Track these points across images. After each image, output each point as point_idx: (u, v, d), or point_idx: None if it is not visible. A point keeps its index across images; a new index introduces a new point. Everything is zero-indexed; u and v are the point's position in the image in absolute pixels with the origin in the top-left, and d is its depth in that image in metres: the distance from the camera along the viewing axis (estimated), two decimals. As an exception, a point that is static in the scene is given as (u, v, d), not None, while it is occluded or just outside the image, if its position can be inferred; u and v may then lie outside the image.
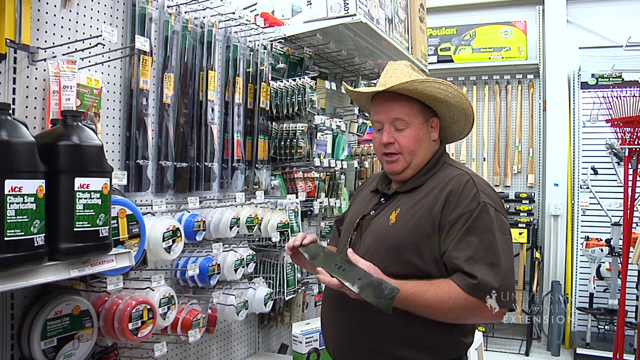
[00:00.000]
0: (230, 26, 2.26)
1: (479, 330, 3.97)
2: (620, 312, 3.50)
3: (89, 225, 1.22)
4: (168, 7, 1.91)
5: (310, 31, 2.52)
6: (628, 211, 3.41)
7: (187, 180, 2.02)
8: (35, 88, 1.47)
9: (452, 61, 5.24)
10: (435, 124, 1.58)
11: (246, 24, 2.31)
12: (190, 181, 2.05)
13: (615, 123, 3.41)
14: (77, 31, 1.61)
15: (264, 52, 2.44)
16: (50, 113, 1.46)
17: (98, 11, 1.69)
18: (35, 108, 1.47)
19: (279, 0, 2.74)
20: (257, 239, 2.41)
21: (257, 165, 2.40)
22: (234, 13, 2.22)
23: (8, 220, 1.05)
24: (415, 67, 1.61)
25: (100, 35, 1.53)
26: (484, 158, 5.32)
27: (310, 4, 2.47)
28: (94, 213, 1.23)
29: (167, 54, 1.91)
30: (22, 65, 1.43)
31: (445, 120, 1.60)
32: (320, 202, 2.77)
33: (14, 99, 1.41)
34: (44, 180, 1.13)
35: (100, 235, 1.25)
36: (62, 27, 1.56)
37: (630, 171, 3.38)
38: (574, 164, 4.92)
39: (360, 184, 3.28)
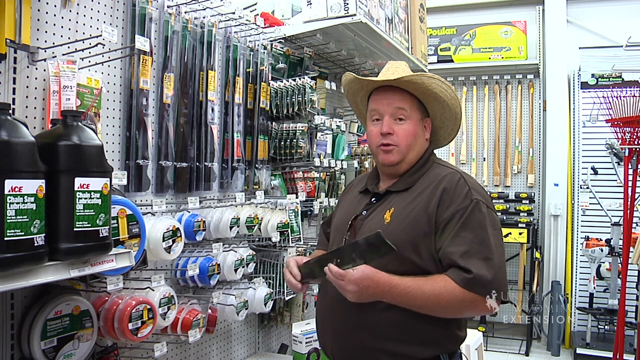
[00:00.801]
0: (230, 26, 2.26)
1: (479, 330, 3.97)
2: (620, 312, 3.50)
3: (89, 225, 1.22)
4: (168, 7, 1.91)
5: (310, 31, 2.52)
6: (628, 211, 3.41)
7: (187, 180, 2.02)
8: (35, 88, 1.47)
9: (452, 61, 5.25)
10: (428, 124, 1.61)
11: (246, 24, 2.31)
12: (190, 181, 2.05)
13: (615, 123, 3.41)
14: (77, 31, 1.61)
15: (264, 52, 2.44)
16: (50, 113, 1.46)
17: (98, 11, 1.69)
18: (35, 108, 1.47)
19: (279, 0, 2.74)
20: (257, 239, 2.41)
21: (257, 165, 2.40)
22: (234, 13, 2.22)
23: (8, 220, 1.05)
24: (411, 68, 1.65)
25: (100, 35, 1.53)
26: (484, 158, 5.32)
27: (310, 4, 2.47)
28: (94, 213, 1.23)
29: (167, 54, 1.91)
30: (22, 65, 1.43)
31: (436, 122, 1.63)
32: (320, 202, 2.77)
33: (14, 99, 1.41)
34: (44, 180, 1.13)
35: (100, 235, 1.25)
36: (62, 27, 1.56)
37: (630, 171, 3.38)
38: (574, 164, 4.92)
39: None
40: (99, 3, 1.69)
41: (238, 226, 2.12)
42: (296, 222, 2.55)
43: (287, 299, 2.51)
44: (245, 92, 2.34)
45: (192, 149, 2.04)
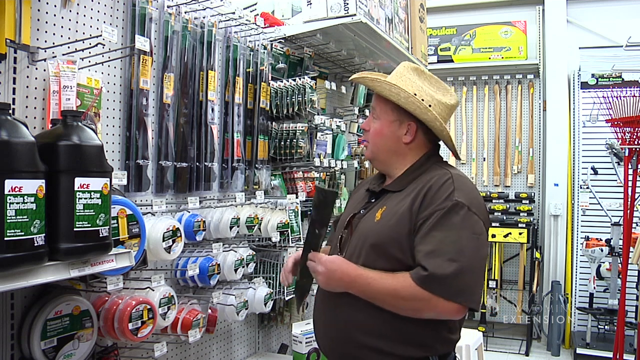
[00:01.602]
0: (230, 26, 2.26)
1: (479, 330, 3.97)
2: (620, 312, 3.50)
3: (89, 225, 1.22)
4: (168, 7, 1.91)
5: (310, 31, 2.52)
6: (628, 211, 3.41)
7: (187, 180, 2.02)
8: (35, 88, 1.47)
9: (452, 61, 5.24)
10: (411, 128, 1.56)
11: (246, 24, 2.31)
12: (190, 181, 2.05)
13: (615, 123, 3.41)
14: (77, 31, 1.61)
15: (264, 52, 2.44)
16: (50, 113, 1.46)
17: (98, 11, 1.69)
18: (35, 108, 1.47)
19: (279, 0, 2.74)
20: (257, 239, 2.41)
21: (257, 165, 2.40)
22: (234, 13, 2.22)
23: (8, 220, 1.05)
24: (423, 72, 1.60)
25: (100, 35, 1.53)
26: (484, 158, 5.31)
27: (310, 4, 2.47)
28: (94, 213, 1.23)
29: (167, 54, 1.91)
30: (22, 65, 1.43)
31: (430, 127, 1.57)
32: (320, 202, 2.76)
33: (14, 99, 1.41)
34: (44, 180, 1.13)
35: (100, 235, 1.25)
36: (62, 27, 1.56)
37: (630, 171, 3.38)
38: (574, 164, 4.92)
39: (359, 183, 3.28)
40: (99, 3, 1.69)
41: (238, 226, 2.12)
42: (296, 222, 2.55)
43: (287, 299, 2.51)
44: (245, 92, 2.34)
45: (192, 149, 2.04)
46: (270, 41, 2.52)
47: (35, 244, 1.10)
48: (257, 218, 2.22)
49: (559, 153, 4.94)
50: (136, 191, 1.81)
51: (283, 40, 2.60)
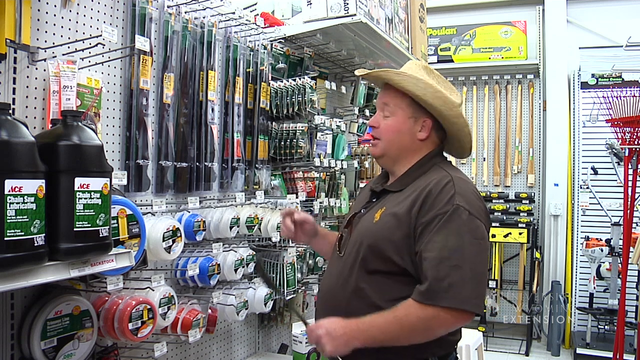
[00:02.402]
0: (230, 26, 2.26)
1: (479, 330, 3.97)
2: (620, 312, 3.50)
3: (89, 225, 1.22)
4: (168, 7, 1.91)
5: (310, 31, 2.52)
6: (628, 211, 3.41)
7: (187, 180, 2.02)
8: (35, 88, 1.47)
9: (452, 61, 5.24)
10: (426, 124, 1.56)
11: (246, 24, 2.31)
12: (190, 181, 2.05)
13: (615, 123, 3.41)
14: (77, 31, 1.61)
15: (264, 52, 2.44)
16: (50, 113, 1.46)
17: (98, 11, 1.69)
18: (35, 108, 1.47)
19: (279, 0, 2.74)
20: (257, 239, 2.41)
21: (257, 165, 2.40)
22: (234, 13, 2.22)
23: (8, 220, 1.05)
24: (432, 71, 1.60)
25: (100, 35, 1.54)
26: (484, 158, 5.31)
27: (310, 4, 2.47)
28: (94, 213, 1.23)
29: (167, 54, 1.91)
30: (22, 65, 1.43)
31: (448, 127, 1.57)
32: (320, 202, 2.77)
33: (14, 99, 1.41)
34: (44, 180, 1.13)
35: (100, 235, 1.25)
36: (62, 27, 1.56)
37: (630, 171, 3.38)
38: (574, 164, 4.92)
39: (360, 183, 3.28)
40: (99, 3, 1.69)
41: (238, 226, 2.12)
42: (296, 222, 2.55)
43: (287, 299, 2.51)
44: (245, 92, 2.34)
45: (192, 149, 2.04)
46: (270, 41, 2.52)
47: (35, 244, 1.10)
48: (257, 218, 2.22)
49: (559, 153, 4.93)
50: (136, 191, 1.81)
51: (283, 40, 2.60)
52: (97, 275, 1.47)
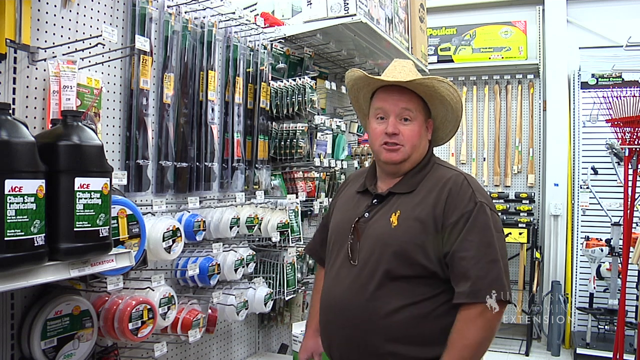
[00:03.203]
0: (230, 26, 2.26)
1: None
2: (620, 312, 3.50)
3: (89, 225, 1.22)
4: (168, 7, 1.91)
5: (310, 31, 2.52)
6: (628, 211, 3.40)
7: (187, 180, 2.02)
8: (35, 88, 1.47)
9: (452, 61, 5.24)
10: (430, 125, 1.62)
11: (246, 24, 2.31)
12: (190, 181, 2.05)
13: (615, 123, 3.41)
14: (77, 31, 1.61)
15: (264, 52, 2.44)
16: (50, 113, 1.46)
17: (98, 11, 1.69)
18: (35, 108, 1.47)
19: (279, 0, 2.74)
20: (257, 239, 2.41)
21: (257, 165, 2.40)
22: (234, 13, 2.22)
23: (8, 220, 1.05)
24: (415, 68, 1.64)
25: (100, 35, 1.53)
26: (484, 158, 5.31)
27: (310, 4, 2.47)
28: (94, 213, 1.23)
29: (167, 54, 1.91)
30: (22, 65, 1.43)
31: (437, 122, 1.64)
32: (320, 202, 2.77)
33: (14, 99, 1.41)
34: (44, 180, 1.13)
35: (101, 235, 1.25)
36: (62, 27, 1.56)
37: (630, 171, 3.37)
38: (574, 164, 4.92)
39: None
40: (99, 3, 1.69)
41: (238, 226, 2.12)
42: (296, 222, 2.55)
43: (287, 299, 2.51)
44: (245, 92, 2.34)
45: (192, 149, 2.04)
46: (270, 41, 2.52)
47: (35, 244, 1.10)
48: (257, 218, 2.22)
49: (559, 153, 4.93)
50: (136, 191, 1.81)
51: (283, 40, 2.60)
52: (97, 275, 1.47)
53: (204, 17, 2.10)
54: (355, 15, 2.39)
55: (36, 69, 1.47)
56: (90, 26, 1.66)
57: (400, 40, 3.13)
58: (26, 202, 1.08)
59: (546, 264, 4.95)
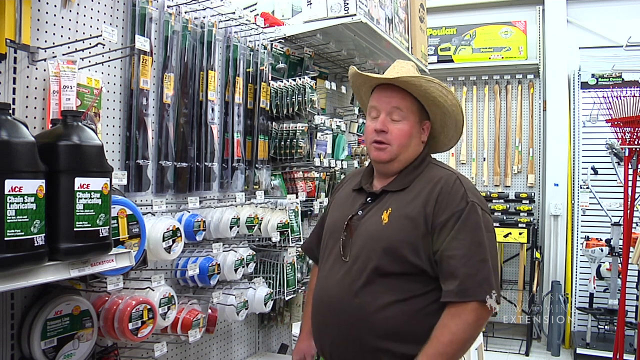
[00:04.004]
0: (230, 26, 2.26)
1: (479, 330, 3.97)
2: (620, 312, 3.50)
3: (89, 225, 1.22)
4: (168, 7, 1.91)
5: (310, 31, 2.52)
6: (628, 211, 3.41)
7: (187, 180, 2.02)
8: (35, 88, 1.47)
9: (452, 61, 5.24)
10: (426, 127, 1.61)
11: (246, 24, 2.31)
12: (190, 181, 2.05)
13: (615, 123, 3.41)
14: (77, 31, 1.61)
15: (264, 52, 2.44)
16: (50, 113, 1.46)
17: (98, 11, 1.69)
18: (35, 108, 1.47)
19: (279, 0, 2.74)
20: (257, 239, 2.41)
21: (257, 165, 2.40)
22: (234, 13, 2.22)
23: (8, 220, 1.05)
24: (419, 70, 1.65)
25: (100, 35, 1.53)
26: (484, 158, 5.31)
27: (310, 4, 2.47)
28: (94, 213, 1.23)
29: (167, 54, 1.91)
30: (22, 65, 1.43)
31: (436, 126, 1.63)
32: (320, 202, 2.77)
33: (14, 99, 1.41)
34: (44, 180, 1.13)
35: (101, 235, 1.25)
36: (62, 27, 1.56)
37: (630, 171, 3.38)
38: (574, 164, 4.92)
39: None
40: (99, 3, 1.69)
41: (238, 226, 2.12)
42: (296, 222, 2.55)
43: (287, 299, 2.51)
44: (245, 92, 2.34)
45: (192, 149, 2.04)
46: (270, 41, 2.52)
47: (35, 244, 1.10)
48: (257, 218, 2.22)
49: (559, 153, 4.93)
50: (136, 191, 1.81)
51: (283, 40, 2.60)
52: (97, 275, 1.47)
53: (204, 17, 2.10)
54: (355, 15, 2.39)
55: (36, 69, 1.47)
56: (90, 26, 1.66)
57: (400, 40, 3.13)
58: (26, 202, 1.08)
59: (546, 264, 4.95)
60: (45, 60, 1.47)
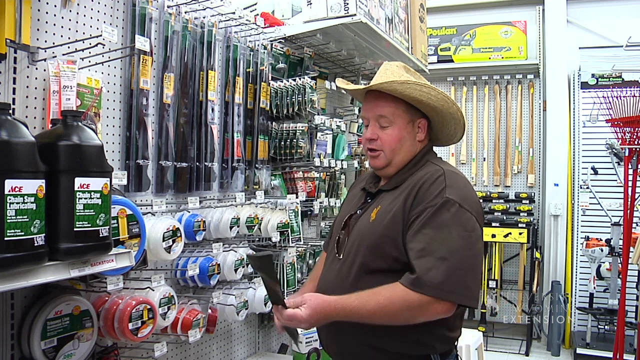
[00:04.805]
0: (230, 26, 2.26)
1: (479, 330, 3.96)
2: (620, 312, 3.50)
3: (89, 225, 1.22)
4: (168, 7, 1.91)
5: (310, 31, 2.52)
6: (628, 211, 3.41)
7: (187, 180, 2.02)
8: (35, 88, 1.47)
9: (452, 61, 5.24)
10: (422, 125, 1.59)
11: (246, 24, 2.31)
12: (190, 181, 2.05)
13: (615, 123, 3.41)
14: (77, 31, 1.61)
15: (264, 52, 2.44)
16: (50, 113, 1.46)
17: (98, 11, 1.69)
18: (35, 108, 1.47)
19: (279, 0, 2.74)
20: (257, 239, 2.41)
21: (257, 165, 2.40)
22: (234, 13, 2.22)
23: (8, 220, 1.05)
24: (409, 69, 1.62)
25: (100, 35, 1.53)
26: (484, 158, 5.31)
27: (310, 4, 2.47)
28: (94, 213, 1.23)
29: (167, 54, 1.91)
30: (22, 65, 1.43)
31: (436, 123, 1.62)
32: (320, 202, 2.77)
33: (14, 99, 1.41)
34: (44, 180, 1.13)
35: (101, 235, 1.25)
36: (62, 27, 1.56)
37: (630, 171, 3.38)
38: (574, 164, 4.92)
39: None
40: (99, 3, 1.69)
41: (238, 226, 2.12)
42: (296, 222, 2.55)
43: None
44: (245, 92, 2.34)
45: (192, 149, 2.04)
46: (270, 41, 2.52)
47: (35, 244, 1.10)
48: (257, 218, 2.22)
49: (559, 153, 4.93)
50: (136, 191, 1.81)
51: (283, 40, 2.60)
52: (97, 275, 1.47)
53: (204, 17, 2.10)
54: (355, 15, 2.39)
55: (36, 69, 1.47)
56: (90, 26, 1.66)
57: (400, 40, 3.13)
58: (26, 202, 1.08)
59: (546, 264, 4.95)
60: (45, 60, 1.47)
